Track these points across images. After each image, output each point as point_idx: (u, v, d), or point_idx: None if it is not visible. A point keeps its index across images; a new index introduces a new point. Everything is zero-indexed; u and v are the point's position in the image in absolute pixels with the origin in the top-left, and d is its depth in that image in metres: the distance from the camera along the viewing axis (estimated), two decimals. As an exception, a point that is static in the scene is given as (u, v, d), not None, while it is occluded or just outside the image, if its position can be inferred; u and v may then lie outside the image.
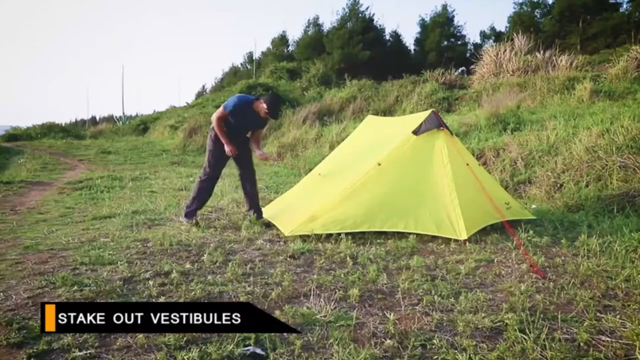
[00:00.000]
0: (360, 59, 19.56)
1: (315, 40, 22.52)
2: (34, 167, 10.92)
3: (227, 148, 4.56)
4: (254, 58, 27.38)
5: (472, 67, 13.80)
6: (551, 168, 6.48)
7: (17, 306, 2.62)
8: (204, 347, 2.14)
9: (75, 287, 2.86)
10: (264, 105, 4.48)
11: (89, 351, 2.11)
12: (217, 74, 42.55)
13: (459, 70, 18.94)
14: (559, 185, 6.22)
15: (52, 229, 4.68)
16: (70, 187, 7.85)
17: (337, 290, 2.86)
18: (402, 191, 4.20)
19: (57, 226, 4.83)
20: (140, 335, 2.24)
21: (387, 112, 12.60)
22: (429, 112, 4.61)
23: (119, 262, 3.39)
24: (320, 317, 2.48)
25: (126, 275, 3.11)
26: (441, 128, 4.45)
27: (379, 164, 4.23)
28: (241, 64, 30.65)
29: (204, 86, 33.20)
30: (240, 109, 4.51)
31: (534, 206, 5.70)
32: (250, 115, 4.59)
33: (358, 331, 2.36)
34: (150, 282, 2.95)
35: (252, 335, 2.25)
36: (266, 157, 4.89)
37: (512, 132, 7.85)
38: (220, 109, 4.57)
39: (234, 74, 29.29)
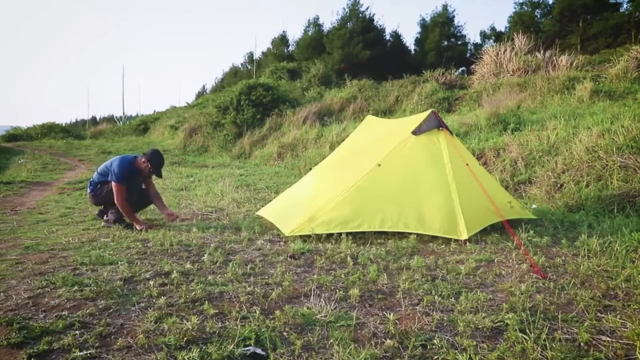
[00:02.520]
0: (361, 59, 19.47)
1: (316, 41, 22.30)
2: (34, 168, 10.90)
3: (139, 227, 4.54)
4: (254, 58, 27.11)
5: (472, 67, 13.79)
6: (551, 168, 6.47)
7: (17, 306, 2.62)
8: (204, 347, 2.14)
9: (76, 287, 2.86)
10: (148, 165, 4.63)
11: (89, 351, 2.11)
12: (217, 74, 42.60)
13: (459, 70, 18.91)
14: (559, 185, 6.20)
15: (53, 229, 4.69)
16: (70, 187, 7.85)
17: (337, 291, 2.86)
18: (402, 191, 4.19)
19: (58, 226, 4.84)
20: (141, 335, 2.24)
21: (388, 112, 12.48)
22: (428, 112, 4.59)
23: (119, 262, 3.38)
24: (321, 317, 2.48)
25: (126, 275, 3.11)
26: (441, 128, 4.44)
27: (379, 165, 4.23)
28: (241, 64, 30.60)
29: (204, 86, 33.29)
30: (128, 174, 4.60)
31: (534, 206, 5.70)
32: (136, 173, 4.70)
33: (358, 331, 2.35)
34: (151, 282, 2.95)
35: (253, 335, 2.26)
36: (175, 216, 4.73)
37: (513, 132, 7.83)
38: (115, 186, 4.54)
39: (234, 74, 29.12)
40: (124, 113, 31.63)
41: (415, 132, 4.38)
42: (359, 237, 4.18)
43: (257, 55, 28.30)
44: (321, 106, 13.64)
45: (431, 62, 18.65)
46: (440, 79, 13.07)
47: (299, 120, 13.14)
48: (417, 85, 12.89)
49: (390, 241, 4.06)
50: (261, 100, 14.41)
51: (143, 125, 24.03)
